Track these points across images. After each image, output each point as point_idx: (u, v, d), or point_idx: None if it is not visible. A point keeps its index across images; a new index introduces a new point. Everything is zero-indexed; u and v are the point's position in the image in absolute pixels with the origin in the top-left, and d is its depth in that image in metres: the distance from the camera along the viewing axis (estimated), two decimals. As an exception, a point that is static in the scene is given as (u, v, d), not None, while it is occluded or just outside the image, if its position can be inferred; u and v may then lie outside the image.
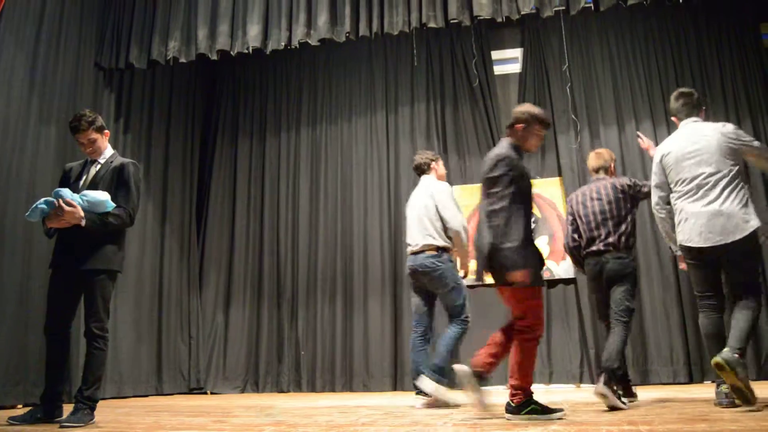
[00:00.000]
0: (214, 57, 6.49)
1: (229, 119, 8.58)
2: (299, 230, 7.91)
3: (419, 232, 4.78)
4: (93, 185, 3.79)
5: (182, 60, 6.52)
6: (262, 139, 8.40)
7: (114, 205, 3.69)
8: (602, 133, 7.39)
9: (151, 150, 7.39)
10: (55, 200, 3.57)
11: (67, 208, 3.55)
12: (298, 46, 6.35)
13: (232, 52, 6.43)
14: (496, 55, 7.97)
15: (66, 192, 3.60)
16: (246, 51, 6.39)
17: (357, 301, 7.47)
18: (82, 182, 3.84)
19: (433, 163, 5.05)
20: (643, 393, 5.30)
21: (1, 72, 5.27)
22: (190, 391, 7.48)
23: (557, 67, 7.63)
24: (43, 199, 3.60)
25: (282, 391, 7.35)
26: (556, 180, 7.42)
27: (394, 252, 7.55)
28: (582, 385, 6.73)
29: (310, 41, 6.28)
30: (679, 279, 6.75)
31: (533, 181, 7.20)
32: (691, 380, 6.48)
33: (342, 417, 3.73)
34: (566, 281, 7.12)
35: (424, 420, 3.38)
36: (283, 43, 6.32)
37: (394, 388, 7.06)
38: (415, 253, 4.77)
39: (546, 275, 7.12)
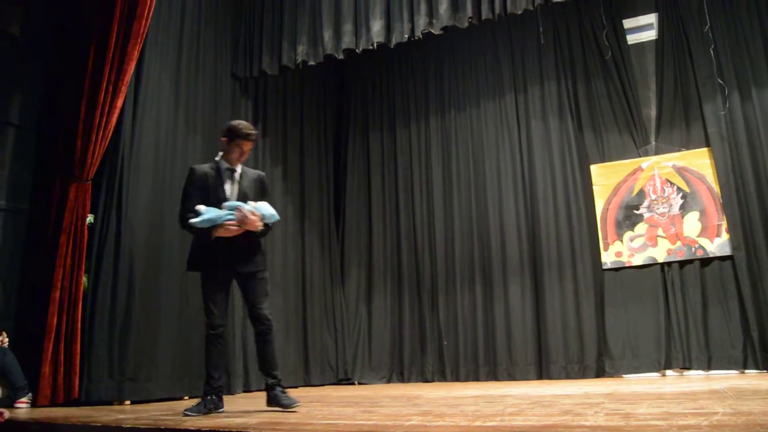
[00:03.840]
0: (341, 56, 6.63)
1: (360, 115, 8.76)
2: (435, 218, 7.93)
3: None
4: (243, 196, 4.03)
5: (311, 62, 6.71)
6: (392, 132, 8.50)
7: (279, 217, 4.03)
8: (755, 95, 6.76)
9: (288, 151, 7.73)
10: (232, 212, 3.83)
11: (251, 217, 3.85)
12: (421, 36, 6.33)
13: (357, 50, 6.53)
14: (628, 23, 7.52)
15: (244, 205, 3.87)
16: (371, 47, 6.47)
17: (497, 288, 7.38)
18: (229, 192, 4.05)
19: None
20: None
21: (151, 93, 5.68)
22: (339, 382, 7.73)
23: (697, 28, 7.08)
24: (226, 213, 3.84)
25: (427, 381, 7.42)
26: (704, 151, 6.91)
27: (531, 235, 7.38)
28: (746, 371, 6.23)
29: (433, 30, 6.24)
30: None
31: (678, 154, 6.82)
32: None
33: (488, 406, 3.69)
34: (722, 258, 6.62)
35: (575, 409, 3.27)
36: (406, 36, 6.33)
37: (540, 377, 6.90)
38: None
39: (699, 254, 6.68)
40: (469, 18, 6.12)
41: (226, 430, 2.93)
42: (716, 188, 6.77)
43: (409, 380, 7.52)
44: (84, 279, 4.92)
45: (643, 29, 7.52)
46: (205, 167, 4.14)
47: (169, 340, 5.44)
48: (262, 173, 4.24)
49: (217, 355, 3.94)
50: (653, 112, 7.26)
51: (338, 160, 8.74)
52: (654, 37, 7.42)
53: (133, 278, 5.18)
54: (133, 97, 5.47)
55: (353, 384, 7.65)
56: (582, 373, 6.74)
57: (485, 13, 6.07)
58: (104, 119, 5.05)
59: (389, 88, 8.65)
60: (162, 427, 3.11)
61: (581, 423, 2.69)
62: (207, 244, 3.93)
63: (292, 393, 6.16)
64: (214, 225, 3.83)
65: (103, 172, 5.20)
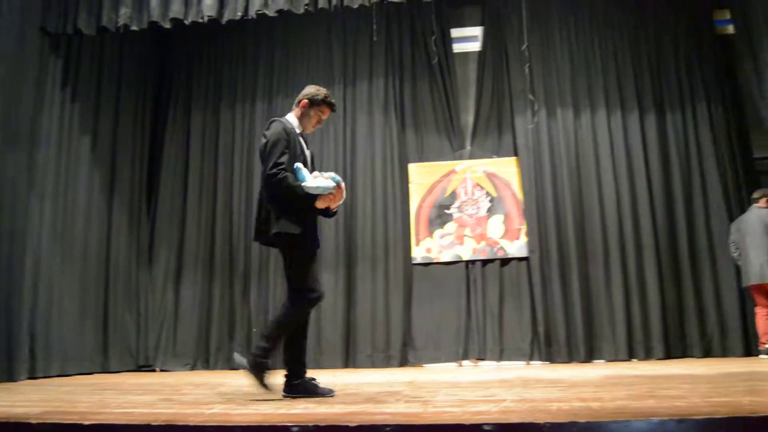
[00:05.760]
0: (167, 25, 6.26)
1: (183, 90, 8.30)
2: (252, 205, 7.76)
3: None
4: (312, 165, 3.72)
5: (133, 27, 6.26)
6: (216, 112, 8.17)
7: None
8: (559, 114, 7.45)
9: (100, 120, 7.13)
10: (335, 185, 3.48)
11: (344, 194, 3.56)
12: (255, 16, 6.16)
13: (185, 21, 6.20)
14: (455, 32, 7.91)
15: (341, 179, 3.54)
16: (201, 20, 6.17)
17: (310, 278, 7.39)
18: (309, 162, 3.69)
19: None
20: (591, 370, 5.41)
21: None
22: (139, 369, 7.32)
23: (516, 46, 7.62)
24: (333, 184, 3.46)
25: (233, 369, 7.24)
26: (512, 159, 7.46)
27: (348, 228, 7.49)
28: (532, 362, 6.83)
29: (267, 12, 6.11)
30: (624, 263, 6.94)
31: (489, 160, 7.28)
32: (631, 357, 6.72)
33: (294, 394, 3.68)
34: (519, 259, 7.20)
35: (377, 397, 3.37)
36: (239, 14, 6.13)
37: (346, 365, 7.05)
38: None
39: (499, 254, 7.19)
40: (306, 5, 6.07)
41: (4, 420, 2.63)
42: (520, 195, 7.34)
43: (215, 368, 7.31)
44: None
45: (468, 40, 7.95)
46: (288, 124, 3.64)
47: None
48: None
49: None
50: (470, 119, 7.70)
51: (155, 135, 8.21)
52: (478, 49, 7.87)
53: None
54: None
55: (154, 371, 7.29)
56: (386, 362, 6.98)
57: (322, 3, 6.07)
58: None
59: (217, 66, 8.29)
60: None
61: (383, 410, 2.77)
62: (304, 213, 3.52)
63: (87, 380, 5.77)
64: (321, 194, 3.45)
65: None
